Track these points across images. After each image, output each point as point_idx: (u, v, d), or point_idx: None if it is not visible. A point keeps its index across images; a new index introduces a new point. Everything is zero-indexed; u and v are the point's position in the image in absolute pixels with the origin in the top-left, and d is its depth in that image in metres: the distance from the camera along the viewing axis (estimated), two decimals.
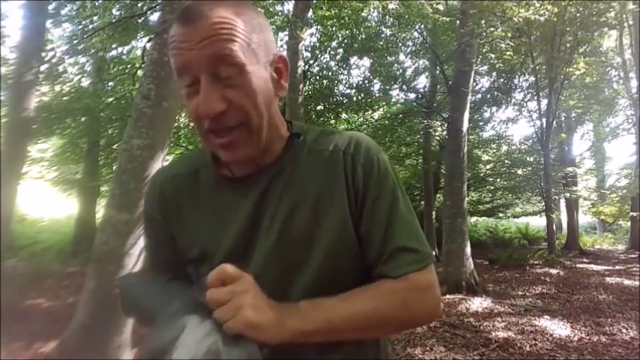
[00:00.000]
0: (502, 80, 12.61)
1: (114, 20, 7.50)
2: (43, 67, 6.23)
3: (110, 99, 8.13)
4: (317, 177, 0.71)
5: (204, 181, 0.75)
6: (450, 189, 6.99)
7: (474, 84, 10.70)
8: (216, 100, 0.62)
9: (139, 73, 6.47)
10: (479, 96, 12.98)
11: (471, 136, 11.68)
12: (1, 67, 6.08)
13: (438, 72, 10.23)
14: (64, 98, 7.70)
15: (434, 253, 10.27)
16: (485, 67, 11.41)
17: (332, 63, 11.45)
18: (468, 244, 6.75)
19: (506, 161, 13.51)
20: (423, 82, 13.07)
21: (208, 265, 0.70)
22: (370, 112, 12.62)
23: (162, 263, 0.79)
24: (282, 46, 8.52)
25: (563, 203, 14.86)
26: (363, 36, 10.44)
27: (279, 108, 0.78)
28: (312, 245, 0.69)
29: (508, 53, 7.73)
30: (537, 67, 11.05)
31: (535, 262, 9.27)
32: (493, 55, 8.90)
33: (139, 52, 8.56)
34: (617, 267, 9.21)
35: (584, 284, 6.94)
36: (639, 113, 11.57)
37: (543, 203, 11.98)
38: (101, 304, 2.88)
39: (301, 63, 7.31)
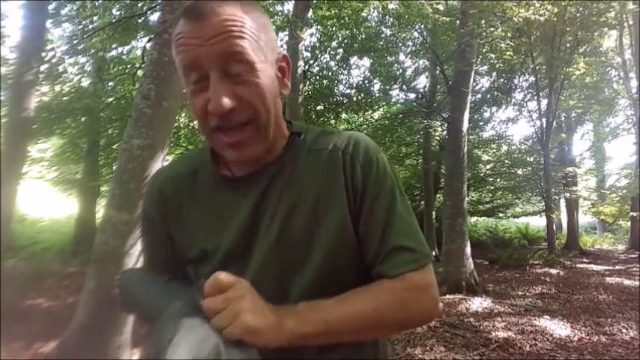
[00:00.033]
0: (502, 80, 12.61)
1: (114, 20, 7.50)
2: (43, 67, 6.23)
3: (110, 99, 8.13)
4: (316, 176, 0.71)
5: (204, 181, 0.75)
6: (450, 189, 6.99)
7: (474, 84, 10.70)
8: (227, 96, 0.62)
9: (139, 73, 6.48)
10: (479, 96, 12.98)
11: (471, 136, 11.68)
12: (1, 67, 6.08)
13: (438, 72, 10.24)
14: (64, 98, 7.70)
15: (434, 253, 10.30)
16: (486, 67, 11.41)
17: (332, 63, 11.46)
18: (468, 244, 6.75)
19: (506, 161, 13.51)
20: (423, 82, 13.10)
21: (208, 265, 0.71)
22: (370, 112, 12.62)
23: (160, 264, 0.79)
24: (282, 46, 8.52)
25: (563, 203, 14.86)
26: (363, 36, 10.44)
27: None
28: (312, 245, 0.69)
29: (508, 53, 7.72)
30: (537, 67, 11.05)
31: (535, 262, 9.27)
32: (493, 55, 8.90)
33: (139, 52, 8.56)
34: (617, 267, 9.21)
35: (584, 284, 6.94)
36: (639, 113, 11.58)
37: (543, 203, 11.98)
38: (101, 304, 2.88)
39: (301, 63, 7.31)
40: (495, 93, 12.84)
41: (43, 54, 6.09)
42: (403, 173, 14.20)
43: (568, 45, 10.30)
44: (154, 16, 6.62)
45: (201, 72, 0.63)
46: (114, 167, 6.16)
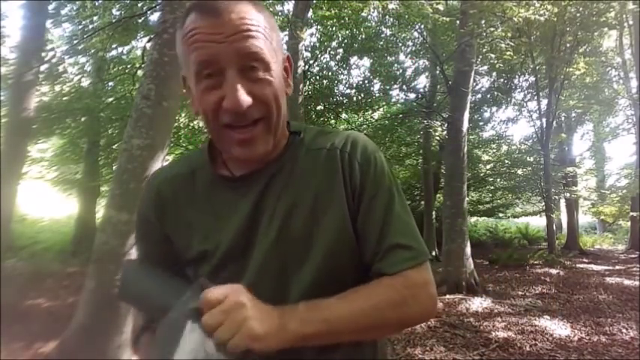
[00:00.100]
0: (502, 80, 12.61)
1: (114, 20, 7.49)
2: (43, 67, 6.23)
3: (110, 99, 8.12)
4: (315, 176, 0.72)
5: (202, 181, 0.75)
6: (450, 189, 6.99)
7: (474, 84, 10.70)
8: (244, 93, 0.62)
9: (139, 73, 6.47)
10: (479, 96, 12.98)
11: (471, 136, 11.68)
12: (1, 67, 6.08)
13: (438, 72, 10.24)
14: (64, 98, 7.70)
15: (434, 253, 10.30)
16: (486, 67, 11.41)
17: (332, 63, 11.44)
18: (468, 244, 6.75)
19: (506, 161, 13.51)
20: (423, 82, 13.10)
21: (208, 265, 0.71)
22: (370, 112, 12.62)
23: (154, 265, 0.78)
24: (282, 46, 8.50)
25: (563, 203, 14.86)
26: (363, 36, 10.43)
27: None
28: (311, 244, 0.69)
29: (508, 53, 7.72)
30: (537, 67, 11.05)
31: (535, 262, 9.27)
32: (493, 55, 8.90)
33: (139, 52, 8.55)
34: (617, 267, 9.21)
35: (584, 284, 6.94)
36: (639, 113, 11.57)
37: (543, 203, 11.98)
38: (101, 304, 2.88)
39: (301, 63, 7.32)
40: (495, 93, 12.84)
41: (43, 54, 6.09)
42: (403, 173, 14.19)
43: (568, 45, 10.30)
44: (154, 16, 6.61)
45: (217, 68, 0.63)
46: (114, 167, 6.16)
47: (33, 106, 5.47)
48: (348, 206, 0.70)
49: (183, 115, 8.66)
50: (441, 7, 8.03)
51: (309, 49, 10.55)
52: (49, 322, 4.16)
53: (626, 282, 7.09)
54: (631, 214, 11.84)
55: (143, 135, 3.04)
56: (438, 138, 10.05)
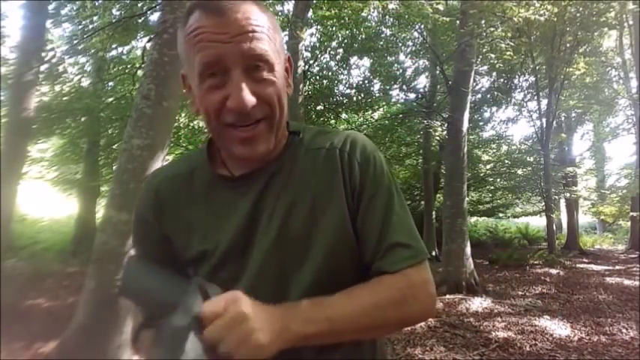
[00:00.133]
0: (502, 80, 12.61)
1: (114, 20, 7.50)
2: (43, 67, 6.24)
3: (110, 99, 8.12)
4: (315, 175, 0.72)
5: (201, 181, 0.75)
6: (450, 189, 6.99)
7: (474, 84, 10.70)
8: (249, 93, 0.63)
9: (139, 73, 6.48)
10: (479, 96, 12.98)
11: (471, 136, 11.68)
12: (1, 67, 6.08)
13: (438, 72, 10.24)
14: (64, 98, 7.70)
15: (434, 253, 10.30)
16: (486, 67, 11.41)
17: (332, 63, 11.45)
18: (468, 244, 6.74)
19: (506, 161, 13.52)
20: (423, 82, 13.10)
21: (207, 265, 0.71)
22: (370, 112, 12.62)
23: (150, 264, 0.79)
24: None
25: (563, 203, 14.86)
26: (363, 36, 10.43)
27: None
28: (311, 244, 0.69)
29: (508, 53, 7.72)
30: (537, 67, 11.04)
31: (535, 262, 9.26)
32: (493, 55, 8.90)
33: (139, 52, 8.56)
34: (617, 267, 9.21)
35: (584, 284, 6.94)
36: (639, 113, 11.57)
37: (543, 203, 11.98)
38: (101, 304, 2.89)
39: (301, 63, 7.32)
40: (495, 93, 12.84)
41: (43, 54, 6.09)
42: (403, 173, 14.19)
43: (568, 45, 10.30)
44: (154, 16, 6.61)
45: (221, 68, 0.63)
46: (114, 167, 6.16)
47: (33, 106, 5.47)
48: (347, 205, 0.71)
49: (183, 115, 8.66)
50: (441, 7, 8.03)
51: (309, 49, 10.56)
52: (49, 322, 4.16)
53: (626, 282, 7.09)
54: (631, 214, 11.83)
55: (143, 135, 3.04)
56: (438, 138, 10.07)
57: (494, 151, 14.31)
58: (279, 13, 9.41)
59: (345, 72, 11.67)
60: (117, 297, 2.79)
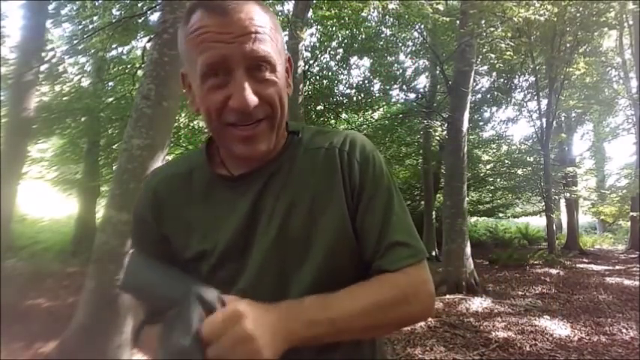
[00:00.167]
0: (502, 80, 12.61)
1: (114, 20, 7.50)
2: (43, 67, 6.24)
3: (110, 99, 8.12)
4: (314, 175, 0.72)
5: (200, 180, 0.75)
6: (450, 189, 6.99)
7: (474, 84, 10.70)
8: (251, 93, 0.63)
9: (139, 73, 6.48)
10: (479, 96, 12.98)
11: (471, 136, 11.68)
12: (1, 67, 6.08)
13: (438, 72, 10.24)
14: (64, 98, 7.70)
15: (434, 253, 10.31)
16: (486, 67, 11.41)
17: (332, 63, 11.45)
18: (468, 244, 6.75)
19: (506, 161, 13.52)
20: (423, 82, 13.11)
21: (206, 265, 0.71)
22: (370, 112, 12.62)
23: None
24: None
25: (563, 203, 14.86)
26: (363, 36, 10.43)
27: None
28: (311, 244, 0.69)
29: (508, 53, 7.72)
30: (537, 67, 11.05)
31: (535, 262, 9.26)
32: (493, 55, 8.90)
33: (139, 52, 8.56)
34: (617, 267, 9.21)
35: (584, 284, 6.94)
36: (639, 113, 11.57)
37: (543, 203, 11.98)
38: (101, 304, 2.88)
39: (301, 63, 7.32)
40: (495, 93, 12.84)
41: (43, 54, 6.09)
42: (403, 173, 14.20)
43: (568, 45, 10.30)
44: (154, 16, 6.62)
45: (224, 68, 0.63)
46: (114, 167, 6.16)
47: (33, 106, 5.47)
48: (347, 205, 0.71)
49: (183, 115, 8.66)
50: (441, 7, 8.03)
51: (309, 49, 10.56)
52: (49, 322, 4.16)
53: (626, 282, 7.09)
54: (631, 214, 11.83)
55: (143, 135, 3.04)
56: (438, 138, 10.06)
57: (494, 151, 14.31)
58: (279, 13, 9.41)
59: (345, 72, 11.69)
60: (118, 291, 2.80)
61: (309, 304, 0.61)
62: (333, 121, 11.82)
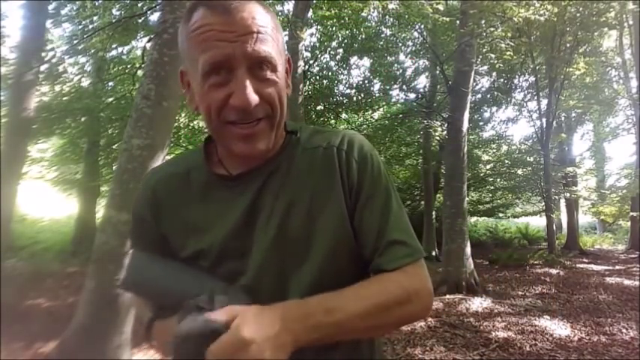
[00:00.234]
0: (502, 80, 12.61)
1: (114, 20, 7.50)
2: (43, 67, 6.24)
3: (110, 99, 8.12)
4: (313, 174, 0.72)
5: (198, 180, 0.75)
6: (450, 189, 6.99)
7: (474, 84, 10.70)
8: (252, 92, 0.63)
9: (139, 73, 6.48)
10: (479, 96, 12.98)
11: (471, 136, 11.68)
12: (1, 67, 6.08)
13: (438, 72, 10.23)
14: (64, 98, 7.70)
15: (434, 253, 10.31)
16: (486, 67, 11.41)
17: (332, 63, 11.46)
18: (468, 244, 6.74)
19: (506, 161, 13.52)
20: (423, 82, 13.11)
21: (204, 263, 0.71)
22: (370, 112, 12.63)
23: None
24: None
25: (563, 203, 14.86)
26: (363, 36, 10.43)
27: None
28: (310, 244, 0.69)
29: (508, 53, 7.72)
30: (537, 67, 11.05)
31: (535, 262, 9.26)
32: (493, 55, 8.90)
33: (139, 52, 8.56)
34: (617, 267, 9.21)
35: (584, 284, 6.94)
36: (639, 113, 11.57)
37: (543, 203, 11.98)
38: (101, 304, 2.88)
39: (301, 63, 7.32)
40: (495, 93, 12.84)
41: (43, 54, 6.10)
42: (403, 173, 14.20)
43: (568, 45, 10.30)
44: (154, 16, 6.61)
45: (226, 66, 0.63)
46: (114, 167, 6.16)
47: (33, 106, 5.48)
48: (346, 204, 0.71)
49: (183, 115, 8.66)
50: (441, 7, 8.02)
51: (309, 49, 10.56)
52: (49, 322, 4.15)
53: (626, 282, 7.09)
54: (631, 214, 11.83)
55: (143, 135, 3.04)
56: (438, 138, 10.06)
57: (494, 151, 14.31)
58: (279, 13, 9.41)
59: (345, 72, 11.69)
60: (119, 290, 2.79)
61: (314, 308, 0.60)
62: (333, 121, 11.82)
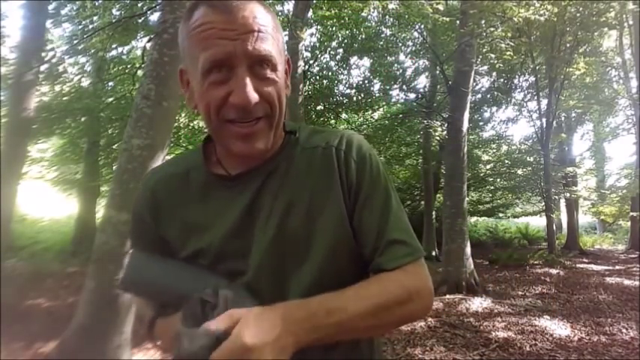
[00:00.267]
0: (502, 80, 12.61)
1: (114, 20, 7.50)
2: (43, 67, 6.24)
3: (110, 99, 8.12)
4: (311, 174, 0.72)
5: (197, 180, 0.75)
6: (450, 189, 6.99)
7: (474, 84, 10.70)
8: (253, 90, 0.63)
9: (139, 73, 6.48)
10: (479, 96, 12.98)
11: (471, 136, 11.68)
12: (1, 67, 6.08)
13: (438, 72, 10.23)
14: (64, 98, 7.70)
15: (434, 253, 10.31)
16: (486, 67, 11.41)
17: (332, 63, 11.45)
18: (468, 244, 6.74)
19: (506, 161, 13.52)
20: (423, 82, 13.11)
21: (204, 263, 0.71)
22: (370, 112, 12.62)
23: None
24: None
25: (563, 203, 14.85)
26: (363, 36, 10.43)
27: None
28: (310, 244, 0.69)
29: (508, 53, 7.72)
30: (537, 67, 11.04)
31: (535, 262, 9.26)
32: (493, 55, 8.90)
33: (139, 52, 8.56)
34: (617, 267, 9.21)
35: (584, 284, 6.93)
36: (639, 113, 11.57)
37: (543, 203, 11.98)
38: (101, 304, 2.88)
39: (301, 63, 7.32)
40: (495, 93, 12.84)
41: (43, 54, 6.10)
42: (403, 173, 14.20)
43: (568, 45, 10.30)
44: (154, 16, 6.61)
45: (226, 64, 0.63)
46: (114, 167, 6.16)
47: (33, 106, 5.48)
48: (345, 204, 0.71)
49: (183, 115, 8.66)
50: (441, 7, 8.02)
51: (309, 49, 10.56)
52: (49, 322, 4.15)
53: (626, 282, 7.09)
54: (631, 214, 11.83)
55: (143, 135, 3.04)
56: (438, 138, 10.06)
57: (494, 151, 14.31)
58: (279, 13, 9.40)
59: (345, 72, 11.69)
60: (118, 290, 2.80)
61: (315, 309, 0.60)
62: (333, 121, 11.82)
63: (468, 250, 6.64)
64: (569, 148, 15.87)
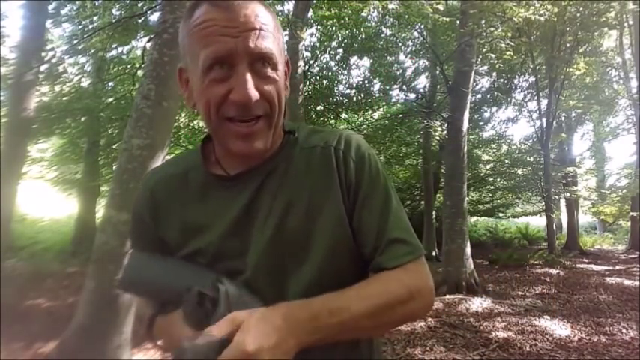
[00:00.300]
0: (502, 80, 12.61)
1: (114, 20, 7.50)
2: (43, 67, 6.24)
3: (110, 99, 8.12)
4: (310, 174, 0.72)
5: (195, 181, 0.75)
6: (450, 189, 6.99)
7: (474, 84, 10.70)
8: (253, 87, 0.63)
9: (139, 73, 6.48)
10: (479, 96, 12.98)
11: (471, 136, 11.68)
12: (1, 67, 6.08)
13: (438, 72, 10.24)
14: (64, 98, 7.70)
15: (434, 253, 10.31)
16: (486, 67, 11.41)
17: (332, 63, 11.46)
18: (468, 244, 6.74)
19: (506, 161, 13.52)
20: (423, 82, 13.11)
21: (202, 262, 0.71)
22: (370, 112, 12.63)
23: None
24: None
25: (563, 203, 14.85)
26: (363, 36, 10.43)
27: None
28: (310, 244, 0.69)
29: (508, 53, 7.72)
30: (537, 67, 11.04)
31: (535, 262, 9.26)
32: (493, 55, 8.90)
33: (139, 52, 8.56)
34: (617, 267, 9.21)
35: (584, 284, 6.93)
36: (639, 113, 11.57)
37: (543, 203, 11.98)
38: (101, 304, 2.89)
39: (301, 63, 7.31)
40: (495, 93, 12.84)
41: (43, 54, 6.10)
42: (403, 173, 14.20)
43: (568, 45, 10.29)
44: (154, 16, 6.61)
45: (227, 61, 0.63)
46: (114, 167, 6.16)
47: (33, 106, 5.47)
48: (344, 203, 0.71)
49: (183, 115, 8.66)
50: (441, 7, 8.02)
51: (309, 49, 10.56)
52: (49, 322, 4.15)
53: (626, 282, 7.09)
54: (631, 214, 11.83)
55: (143, 135, 3.04)
56: (438, 138, 10.06)
57: (494, 151, 14.31)
58: (279, 13, 9.40)
59: (345, 72, 11.69)
60: (117, 289, 2.79)
61: (318, 309, 0.60)
62: (333, 121, 11.82)
63: (468, 250, 6.65)
64: (569, 148, 15.87)
